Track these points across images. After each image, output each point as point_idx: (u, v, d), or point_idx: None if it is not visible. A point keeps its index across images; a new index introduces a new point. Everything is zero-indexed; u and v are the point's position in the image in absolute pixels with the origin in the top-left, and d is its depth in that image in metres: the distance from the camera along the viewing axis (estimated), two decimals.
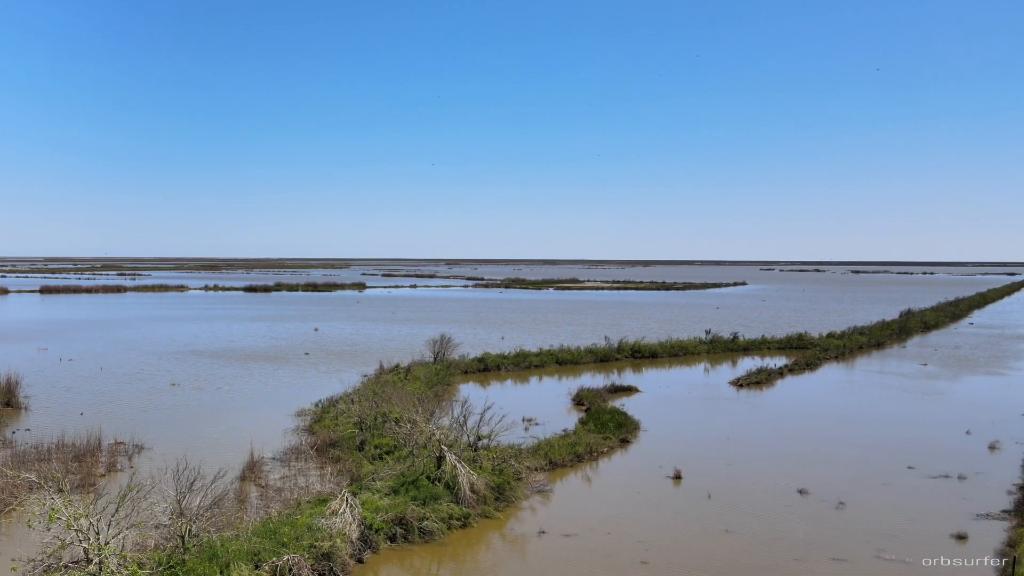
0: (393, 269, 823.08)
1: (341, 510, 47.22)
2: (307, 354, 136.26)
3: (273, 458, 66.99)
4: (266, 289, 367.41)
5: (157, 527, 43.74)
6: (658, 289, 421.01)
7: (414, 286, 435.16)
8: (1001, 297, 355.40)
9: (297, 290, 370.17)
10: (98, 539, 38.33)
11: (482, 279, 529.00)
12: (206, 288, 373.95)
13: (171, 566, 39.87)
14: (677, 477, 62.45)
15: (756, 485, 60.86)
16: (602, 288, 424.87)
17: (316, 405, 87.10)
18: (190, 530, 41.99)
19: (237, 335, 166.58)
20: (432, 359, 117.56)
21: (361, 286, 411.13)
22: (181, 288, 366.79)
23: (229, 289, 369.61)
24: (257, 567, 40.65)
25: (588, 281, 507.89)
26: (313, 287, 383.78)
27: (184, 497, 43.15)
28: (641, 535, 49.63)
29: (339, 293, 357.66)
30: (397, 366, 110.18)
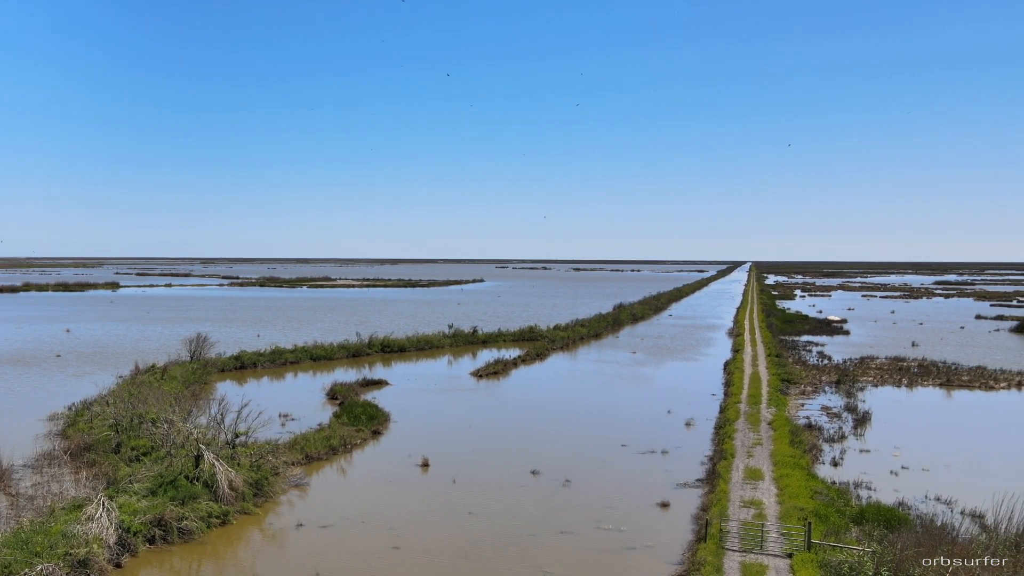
0: (147, 268, 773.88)
1: (97, 515, 43.97)
2: (58, 356, 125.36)
3: (24, 465, 61.18)
4: (13, 289, 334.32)
5: None
6: (405, 286, 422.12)
7: (169, 285, 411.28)
8: (693, 292, 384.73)
9: (47, 290, 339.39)
10: None
11: (237, 278, 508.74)
12: None
13: None
14: (425, 465, 62.98)
15: (495, 468, 62.54)
16: (353, 286, 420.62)
17: (69, 408, 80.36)
18: None
19: None
20: (189, 358, 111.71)
21: (115, 285, 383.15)
22: None
23: None
24: None
25: (340, 279, 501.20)
26: (64, 287, 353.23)
27: None
28: (393, 522, 49.68)
29: (91, 293, 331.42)
30: (153, 366, 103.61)
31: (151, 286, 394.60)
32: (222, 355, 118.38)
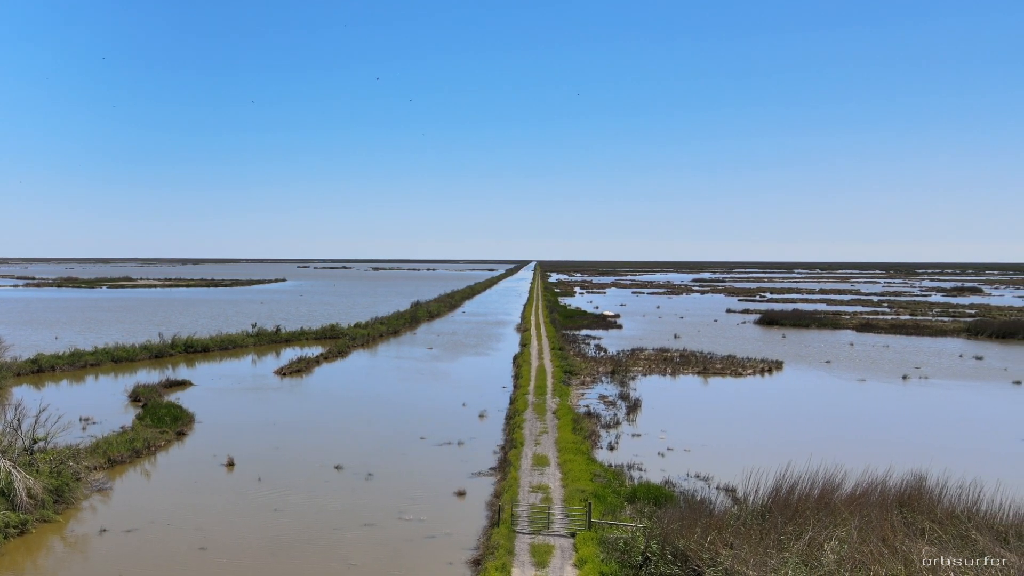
0: None
1: None
2: None
3: None
4: None
5: None
6: (208, 286, 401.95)
7: None
8: (485, 289, 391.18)
9: None
10: None
11: (33, 278, 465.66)
12: None
13: None
14: (230, 464, 60.63)
15: (300, 465, 61.16)
16: (155, 286, 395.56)
17: None
18: None
19: None
20: None
21: None
22: None
23: None
24: None
25: (141, 279, 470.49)
26: None
27: None
28: (199, 523, 47.54)
29: None
30: None
31: None
32: (17, 359, 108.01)
